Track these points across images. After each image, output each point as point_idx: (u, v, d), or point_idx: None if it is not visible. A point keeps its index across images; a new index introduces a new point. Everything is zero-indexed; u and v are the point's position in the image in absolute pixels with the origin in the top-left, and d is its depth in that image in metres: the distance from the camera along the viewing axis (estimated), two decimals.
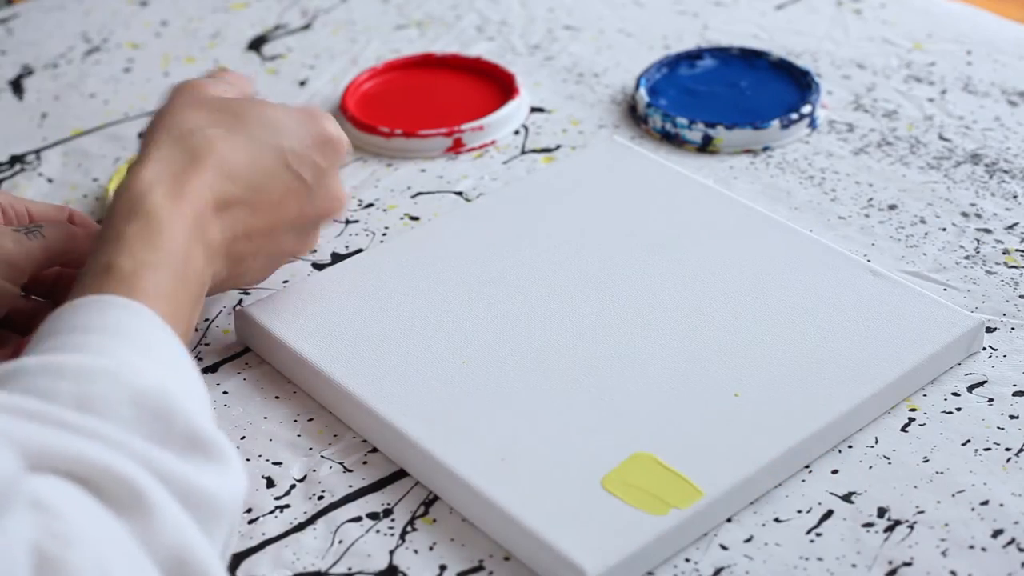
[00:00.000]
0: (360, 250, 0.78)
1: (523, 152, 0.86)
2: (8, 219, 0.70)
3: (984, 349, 0.69)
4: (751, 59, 0.92)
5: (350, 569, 0.59)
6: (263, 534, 0.61)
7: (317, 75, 0.95)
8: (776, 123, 0.84)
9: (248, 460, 0.65)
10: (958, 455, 0.63)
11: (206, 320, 0.73)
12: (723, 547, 0.59)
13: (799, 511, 0.61)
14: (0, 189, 0.71)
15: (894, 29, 0.97)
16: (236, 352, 0.71)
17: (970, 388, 0.67)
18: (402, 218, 0.80)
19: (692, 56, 0.92)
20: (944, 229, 0.77)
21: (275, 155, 0.66)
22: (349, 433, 0.66)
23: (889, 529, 0.59)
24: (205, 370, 0.70)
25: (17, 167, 0.87)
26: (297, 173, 0.66)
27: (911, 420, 0.65)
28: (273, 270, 0.70)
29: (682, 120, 0.85)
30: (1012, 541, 0.59)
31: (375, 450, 0.65)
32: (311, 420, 0.67)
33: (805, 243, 0.73)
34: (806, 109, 0.86)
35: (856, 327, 0.67)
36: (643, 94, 0.88)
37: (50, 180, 0.86)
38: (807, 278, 0.71)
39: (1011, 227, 0.77)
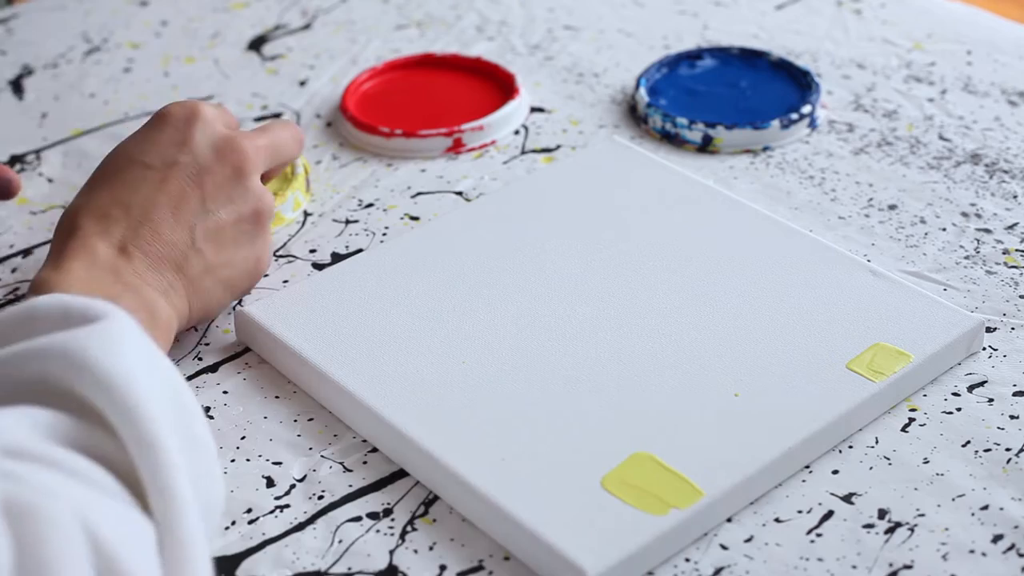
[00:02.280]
0: (360, 250, 0.78)
1: (523, 152, 0.86)
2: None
3: (984, 349, 0.69)
4: (751, 59, 0.92)
5: (350, 569, 0.59)
6: (263, 534, 0.61)
7: (317, 75, 0.95)
8: (776, 123, 0.84)
9: (248, 460, 0.65)
10: (958, 456, 0.63)
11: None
12: (723, 547, 0.59)
13: (799, 511, 0.61)
14: None
15: (894, 29, 0.97)
16: (236, 352, 0.71)
17: (970, 388, 0.67)
18: (402, 218, 0.80)
19: (692, 56, 0.92)
20: (944, 229, 0.77)
21: (130, 164, 0.68)
22: (349, 433, 0.66)
23: (890, 531, 0.59)
24: (205, 370, 0.70)
25: (17, 167, 0.87)
26: (169, 163, 0.68)
27: (911, 420, 0.65)
28: (240, 288, 0.71)
29: (682, 120, 0.85)
30: (1012, 547, 0.58)
31: (375, 450, 0.65)
32: (311, 420, 0.67)
33: (805, 243, 0.73)
34: (806, 109, 0.86)
35: (856, 327, 0.67)
36: (643, 94, 0.88)
37: (50, 180, 0.86)
38: (807, 278, 0.71)
39: (1011, 227, 0.77)
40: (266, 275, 0.76)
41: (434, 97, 0.91)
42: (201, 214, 0.67)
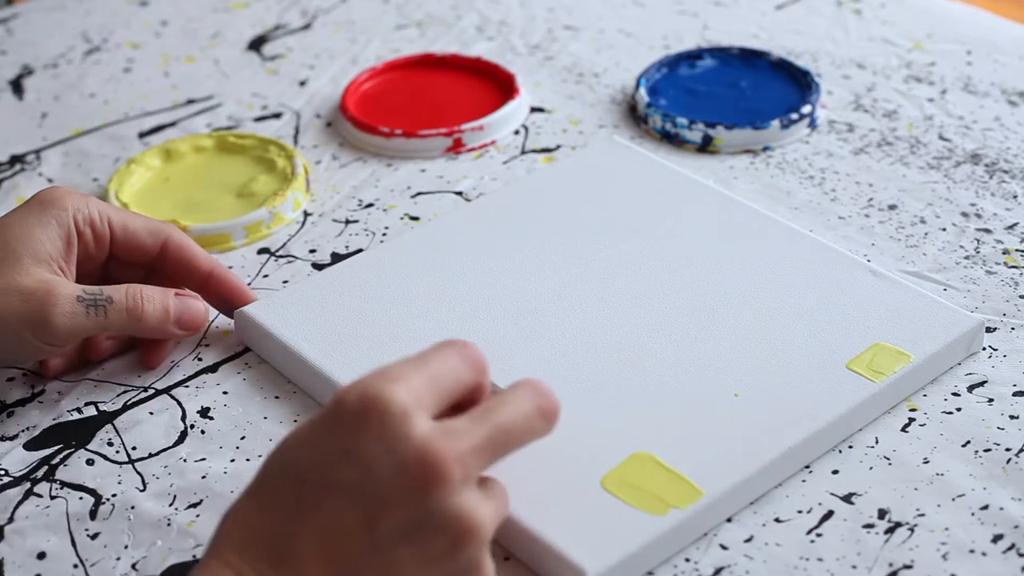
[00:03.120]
0: (360, 250, 0.78)
1: (523, 152, 0.86)
2: (84, 240, 0.68)
3: (984, 349, 0.69)
4: (751, 59, 0.92)
5: None
6: None
7: (317, 75, 0.95)
8: (776, 123, 0.84)
9: (248, 460, 0.65)
10: (958, 456, 0.63)
11: None
12: (723, 547, 0.59)
13: (799, 511, 0.61)
14: (69, 192, 0.69)
15: (894, 29, 0.97)
16: (236, 352, 0.71)
17: (970, 388, 0.67)
18: (402, 218, 0.80)
19: (692, 56, 0.92)
20: (944, 229, 0.77)
21: (286, 481, 0.52)
22: None
23: (890, 531, 0.59)
24: (205, 370, 0.70)
25: (17, 167, 0.87)
26: (325, 485, 0.50)
27: (911, 420, 0.65)
28: None
29: (682, 120, 0.85)
30: (1012, 547, 0.58)
31: None
32: None
33: (805, 243, 0.73)
34: (806, 109, 0.86)
35: (856, 327, 0.67)
36: (643, 94, 0.88)
37: (50, 180, 0.86)
38: (807, 278, 0.71)
39: (1011, 227, 0.77)
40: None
41: (434, 97, 0.91)
42: (369, 555, 0.50)
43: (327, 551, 0.49)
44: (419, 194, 0.82)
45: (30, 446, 0.66)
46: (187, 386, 0.69)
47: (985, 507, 0.60)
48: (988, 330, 0.70)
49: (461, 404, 0.54)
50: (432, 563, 0.50)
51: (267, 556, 0.50)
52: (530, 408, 0.54)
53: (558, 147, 0.86)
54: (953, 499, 0.61)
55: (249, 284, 0.76)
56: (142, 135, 0.90)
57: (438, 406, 0.52)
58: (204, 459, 0.65)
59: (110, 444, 0.66)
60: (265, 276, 0.76)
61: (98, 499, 0.63)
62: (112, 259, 0.70)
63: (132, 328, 0.67)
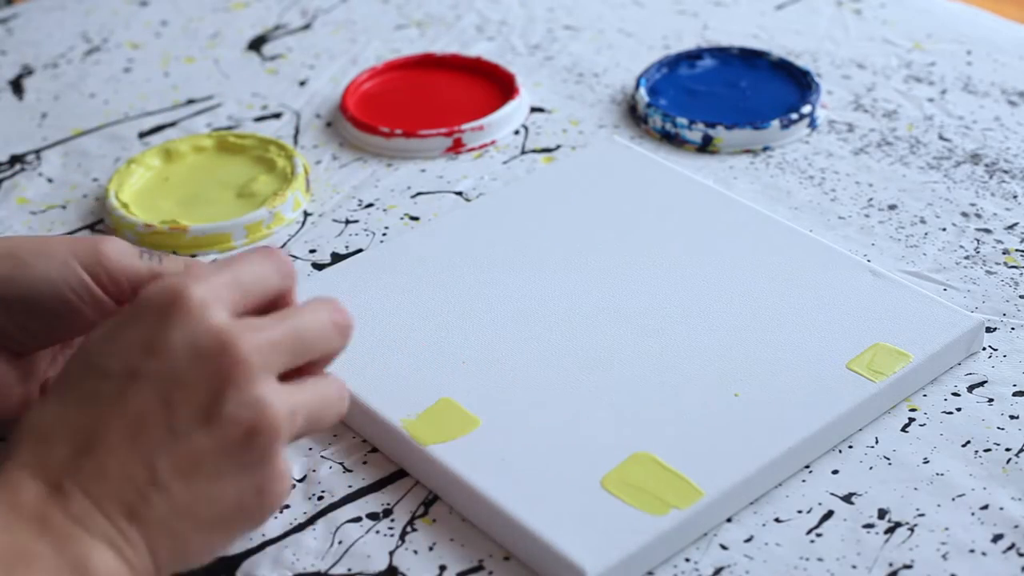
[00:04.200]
0: (360, 250, 0.78)
1: (523, 152, 0.86)
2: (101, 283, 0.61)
3: (984, 349, 0.69)
4: (751, 59, 0.92)
5: (350, 570, 0.59)
6: (263, 535, 0.61)
7: (317, 75, 0.95)
8: (776, 123, 0.84)
9: None
10: (958, 456, 0.63)
11: None
12: (723, 547, 0.59)
13: (799, 511, 0.61)
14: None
15: (894, 29, 0.97)
16: None
17: (970, 388, 0.67)
18: (402, 218, 0.80)
19: (692, 56, 0.92)
20: (944, 229, 0.77)
21: (87, 371, 0.52)
22: (349, 433, 0.66)
23: (890, 531, 0.59)
24: None
25: (17, 167, 0.87)
26: (130, 372, 0.51)
27: (911, 420, 0.65)
28: (234, 528, 0.53)
29: (682, 120, 0.85)
30: (1012, 546, 0.58)
31: (375, 450, 0.65)
32: None
33: (805, 243, 0.73)
34: (806, 109, 0.86)
35: (856, 327, 0.67)
36: (643, 94, 0.88)
37: (50, 180, 0.86)
38: (807, 278, 0.71)
39: (1011, 227, 0.77)
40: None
41: (434, 97, 0.91)
42: (167, 440, 0.50)
43: (130, 438, 0.50)
44: (419, 194, 0.82)
45: None
46: None
47: (985, 507, 0.60)
48: (988, 330, 0.70)
49: (267, 310, 0.55)
50: (228, 453, 0.51)
51: (71, 446, 0.50)
52: (326, 319, 0.55)
53: (558, 147, 0.86)
54: (953, 499, 0.61)
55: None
56: (142, 135, 0.90)
57: (241, 305, 0.53)
58: None
59: None
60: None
61: None
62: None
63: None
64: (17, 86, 0.96)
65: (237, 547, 0.60)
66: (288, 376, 0.54)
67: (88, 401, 0.51)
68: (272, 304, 0.55)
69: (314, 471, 0.64)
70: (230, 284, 0.53)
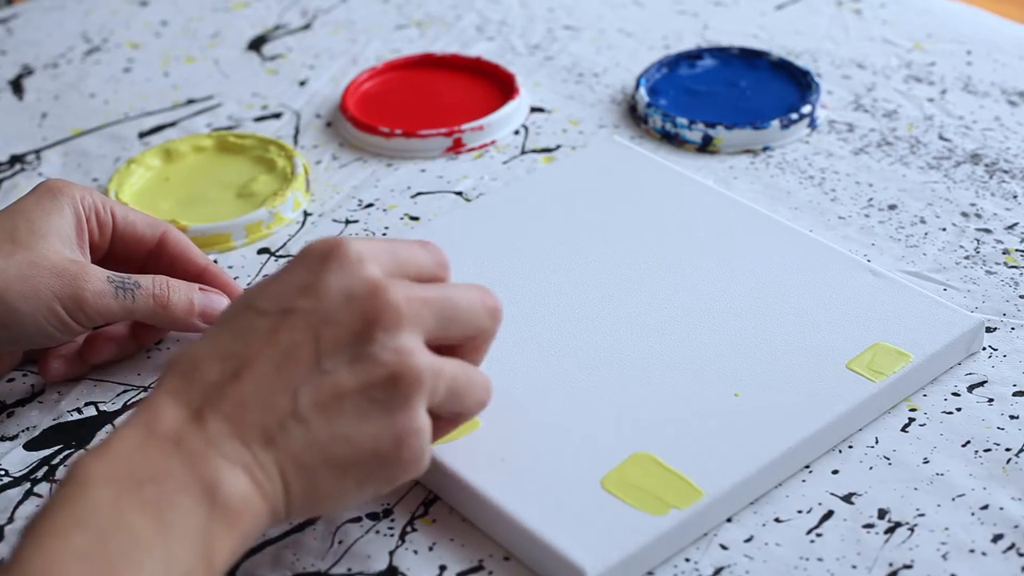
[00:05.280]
0: None
1: (523, 152, 0.86)
2: (90, 227, 0.68)
3: (984, 349, 0.69)
4: (751, 59, 0.92)
5: (350, 570, 0.59)
6: (263, 535, 0.61)
7: (317, 75, 0.95)
8: (776, 123, 0.84)
9: None
10: (958, 456, 0.63)
11: None
12: (723, 547, 0.59)
13: (799, 511, 0.61)
14: (62, 184, 0.69)
15: (894, 29, 0.97)
16: None
17: (970, 388, 0.67)
18: (402, 218, 0.80)
19: (692, 56, 0.92)
20: (944, 229, 0.77)
21: (244, 310, 0.54)
22: None
23: (889, 531, 0.59)
24: None
25: (17, 167, 0.87)
26: (285, 309, 0.53)
27: (911, 420, 0.65)
28: (367, 476, 0.54)
29: (682, 120, 0.85)
30: (1012, 546, 0.58)
31: None
32: None
33: (805, 243, 0.73)
34: (806, 109, 0.86)
35: (856, 327, 0.67)
36: (643, 94, 0.88)
37: None
38: (807, 278, 0.71)
39: (1011, 227, 0.77)
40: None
41: (434, 97, 0.91)
42: (313, 374, 0.52)
43: (276, 368, 0.52)
44: (419, 194, 0.82)
45: (30, 446, 0.66)
46: None
47: (985, 507, 0.60)
48: (988, 330, 0.70)
49: None
50: (369, 394, 0.52)
51: (218, 373, 0.52)
52: (477, 298, 0.57)
53: (558, 147, 0.86)
54: (953, 499, 0.61)
55: (249, 284, 0.76)
56: (142, 135, 0.90)
57: (395, 272, 0.55)
58: None
59: None
60: (265, 276, 0.76)
61: None
62: (108, 255, 0.70)
63: (156, 317, 0.67)
64: (17, 86, 0.96)
65: None
66: (439, 352, 0.55)
67: (242, 334, 0.53)
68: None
69: None
70: (387, 251, 0.55)
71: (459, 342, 0.57)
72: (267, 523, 0.52)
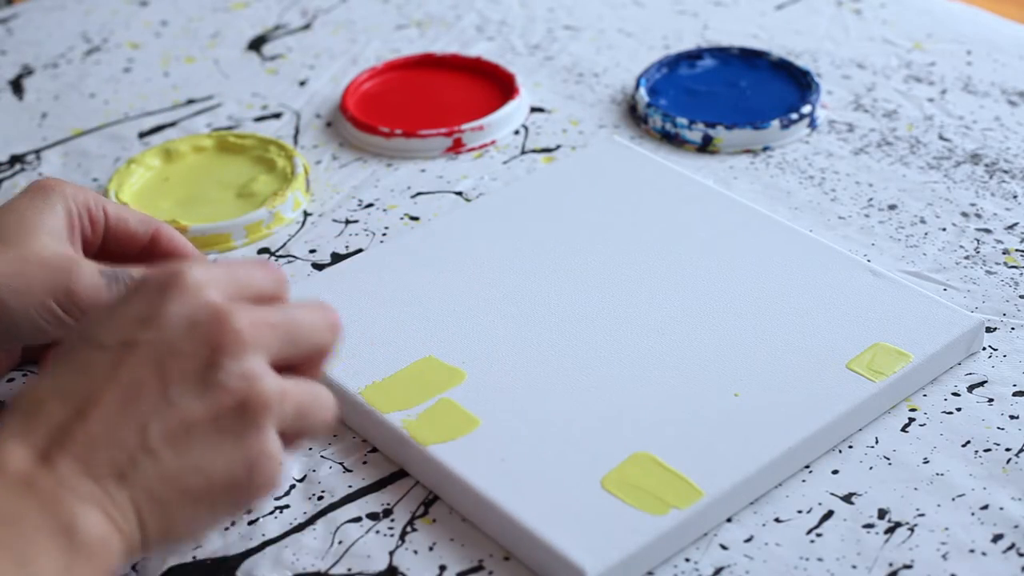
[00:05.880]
0: (360, 250, 0.78)
1: (523, 152, 0.86)
2: (82, 225, 0.68)
3: (984, 349, 0.69)
4: (751, 59, 0.92)
5: (350, 570, 0.59)
6: (263, 535, 0.61)
7: (317, 75, 0.95)
8: (776, 123, 0.84)
9: None
10: (958, 456, 0.63)
11: None
12: (723, 547, 0.59)
13: (799, 511, 0.61)
14: (63, 185, 0.68)
15: (894, 29, 0.97)
16: None
17: (970, 388, 0.67)
18: (402, 218, 0.80)
19: (692, 56, 0.92)
20: (944, 229, 0.77)
21: (82, 345, 0.53)
22: (349, 433, 0.66)
23: (890, 531, 0.59)
24: None
25: (17, 167, 0.87)
26: (126, 342, 0.52)
27: (911, 420, 0.65)
28: (221, 504, 0.52)
29: (682, 120, 0.85)
30: (1012, 546, 0.58)
31: (375, 450, 0.65)
32: None
33: (805, 243, 0.73)
34: (806, 109, 0.86)
35: (856, 327, 0.67)
36: (643, 94, 0.88)
37: None
38: (807, 278, 0.71)
39: (1011, 227, 0.77)
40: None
41: (434, 97, 0.91)
42: (160, 407, 0.51)
43: (123, 404, 0.51)
44: (419, 194, 0.82)
45: None
46: None
47: (985, 507, 0.60)
48: (988, 330, 0.70)
49: None
50: (219, 423, 0.51)
51: (62, 413, 0.51)
52: (319, 315, 0.56)
53: (558, 147, 0.86)
54: (953, 499, 0.61)
55: None
56: (142, 135, 0.90)
57: (236, 296, 0.54)
58: None
59: None
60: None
61: None
62: (101, 252, 0.70)
63: None
64: (17, 86, 0.96)
65: (237, 547, 0.60)
66: (282, 372, 0.54)
67: (82, 371, 0.52)
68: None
69: (314, 471, 0.64)
70: (226, 276, 0.54)
71: (302, 361, 0.55)
72: (123, 560, 0.51)
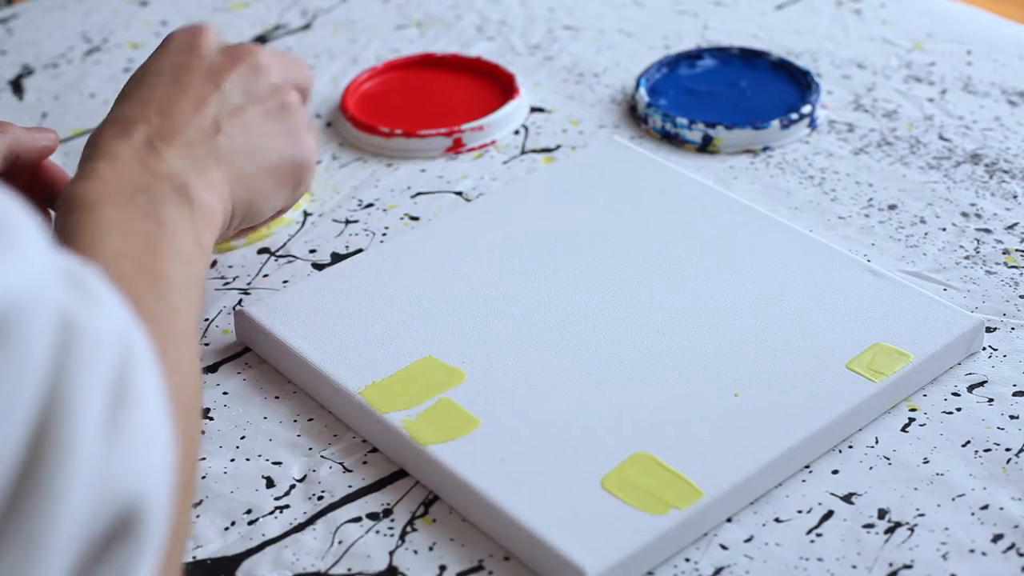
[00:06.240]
0: (360, 250, 0.78)
1: (523, 152, 0.86)
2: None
3: (984, 349, 0.69)
4: (751, 59, 0.92)
5: (350, 570, 0.59)
6: (263, 535, 0.61)
7: (317, 75, 0.95)
8: (776, 123, 0.84)
9: (248, 460, 0.65)
10: (958, 456, 0.63)
11: (206, 320, 0.73)
12: (723, 547, 0.59)
13: (799, 511, 0.61)
14: None
15: (894, 29, 0.97)
16: (236, 352, 0.71)
17: (970, 388, 0.67)
18: (402, 218, 0.80)
19: (692, 56, 0.92)
20: (944, 229, 0.77)
21: (143, 76, 0.68)
22: (349, 433, 0.66)
23: (889, 531, 0.59)
24: (205, 370, 0.70)
25: None
26: (180, 67, 0.67)
27: (911, 420, 0.65)
28: (285, 174, 0.69)
29: (682, 120, 0.85)
30: (1012, 546, 0.58)
31: (375, 450, 0.65)
32: (311, 420, 0.67)
33: (805, 243, 0.73)
34: (806, 109, 0.86)
35: (856, 327, 0.67)
36: (643, 94, 0.88)
37: None
38: (807, 278, 0.71)
39: (1011, 227, 0.77)
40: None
41: (434, 97, 0.91)
42: (221, 104, 0.67)
43: (193, 106, 0.66)
44: (419, 194, 0.82)
45: None
46: None
47: (985, 507, 0.60)
48: (988, 330, 0.70)
49: None
50: (266, 112, 0.69)
51: (148, 124, 0.65)
52: (302, 65, 0.73)
53: (558, 147, 0.86)
54: (953, 499, 0.61)
55: (249, 284, 0.76)
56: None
57: (284, 76, 0.71)
58: (204, 459, 0.65)
59: None
60: (265, 276, 0.76)
61: None
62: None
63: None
64: (17, 86, 0.96)
65: (237, 547, 0.60)
66: None
67: (151, 90, 0.66)
68: None
69: (314, 471, 0.64)
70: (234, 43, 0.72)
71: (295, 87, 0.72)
72: (222, 230, 0.65)
